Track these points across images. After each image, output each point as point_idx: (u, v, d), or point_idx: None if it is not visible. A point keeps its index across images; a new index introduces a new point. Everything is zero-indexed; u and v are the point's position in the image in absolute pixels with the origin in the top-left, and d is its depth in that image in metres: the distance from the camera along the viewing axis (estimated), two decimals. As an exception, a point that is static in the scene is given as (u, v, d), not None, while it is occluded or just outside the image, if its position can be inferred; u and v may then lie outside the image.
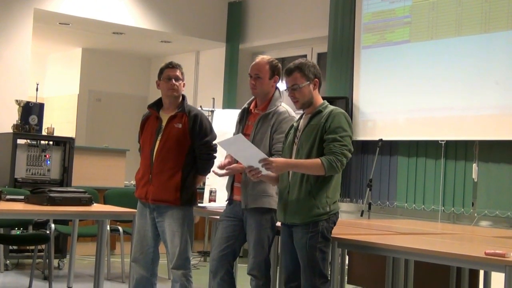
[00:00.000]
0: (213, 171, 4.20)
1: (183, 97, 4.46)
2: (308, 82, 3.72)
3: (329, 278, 3.69)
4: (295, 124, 3.86)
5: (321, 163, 3.54)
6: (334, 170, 3.57)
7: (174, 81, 4.37)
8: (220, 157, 4.34)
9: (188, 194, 4.36)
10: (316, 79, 3.75)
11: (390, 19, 7.41)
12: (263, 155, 3.59)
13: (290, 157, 3.73)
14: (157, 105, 4.49)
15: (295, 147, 3.74)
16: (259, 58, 4.20)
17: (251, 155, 3.59)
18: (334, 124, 3.61)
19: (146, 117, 4.54)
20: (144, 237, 4.44)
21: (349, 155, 3.62)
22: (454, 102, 6.73)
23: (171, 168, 4.32)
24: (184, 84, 4.46)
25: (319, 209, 3.60)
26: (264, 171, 3.60)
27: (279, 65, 4.21)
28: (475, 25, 6.62)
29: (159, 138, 4.37)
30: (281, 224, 3.85)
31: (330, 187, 3.65)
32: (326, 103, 3.78)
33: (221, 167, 4.09)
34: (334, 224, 3.71)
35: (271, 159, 3.59)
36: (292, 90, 3.72)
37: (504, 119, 6.35)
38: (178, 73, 4.40)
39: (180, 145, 4.33)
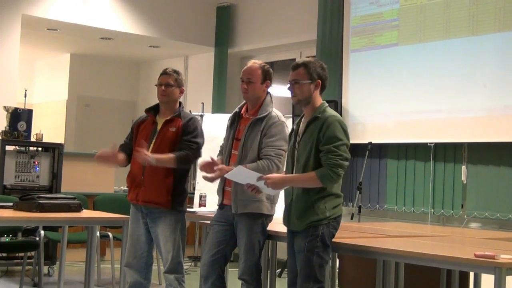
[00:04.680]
0: (203, 177, 4.19)
1: (180, 103, 4.55)
2: (310, 81, 3.72)
3: (323, 286, 3.66)
4: (294, 127, 3.86)
5: (316, 176, 3.57)
6: (329, 182, 3.60)
7: (163, 88, 4.45)
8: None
9: (179, 197, 4.38)
10: (319, 81, 3.74)
11: (378, 23, 7.43)
12: (259, 174, 3.72)
13: (292, 162, 3.76)
14: (155, 109, 4.56)
15: (296, 153, 3.75)
16: (251, 63, 4.22)
17: (251, 178, 3.75)
18: (328, 134, 3.61)
19: (142, 120, 4.59)
20: (137, 241, 4.44)
21: (345, 163, 3.62)
22: (442, 105, 6.75)
23: (163, 171, 4.34)
24: (182, 90, 4.53)
25: (318, 215, 3.62)
26: (265, 189, 3.73)
27: (271, 70, 4.23)
28: (463, 28, 6.64)
29: (153, 141, 4.40)
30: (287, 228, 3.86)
31: (330, 194, 3.67)
32: (324, 106, 3.76)
33: (203, 165, 4.09)
34: (336, 229, 3.72)
35: (267, 176, 3.69)
36: (293, 84, 3.73)
37: (492, 121, 6.38)
38: (170, 79, 4.47)
39: (173, 148, 4.36)
